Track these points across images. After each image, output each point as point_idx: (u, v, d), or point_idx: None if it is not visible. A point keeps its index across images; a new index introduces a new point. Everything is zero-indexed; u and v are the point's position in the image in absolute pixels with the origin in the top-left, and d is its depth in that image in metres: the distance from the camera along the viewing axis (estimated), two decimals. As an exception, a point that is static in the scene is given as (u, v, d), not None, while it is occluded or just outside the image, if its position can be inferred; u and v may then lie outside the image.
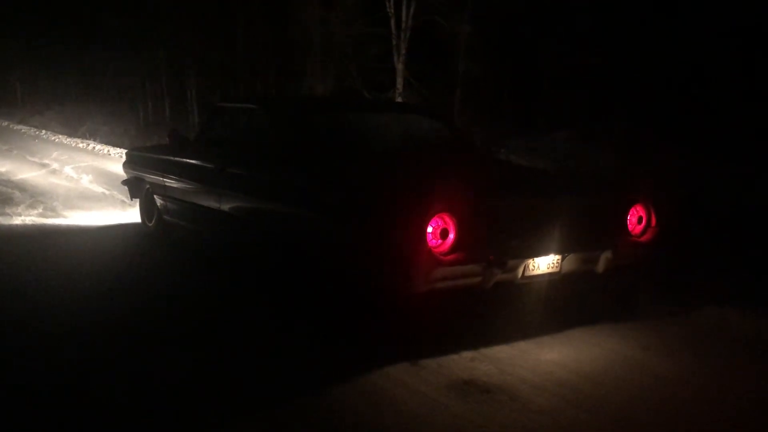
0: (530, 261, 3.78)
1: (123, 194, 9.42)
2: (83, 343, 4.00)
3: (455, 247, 3.46)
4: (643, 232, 4.27)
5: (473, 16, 17.51)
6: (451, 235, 3.46)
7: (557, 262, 3.91)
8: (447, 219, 3.45)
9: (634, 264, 4.28)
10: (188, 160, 5.69)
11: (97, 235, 6.93)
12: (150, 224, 6.75)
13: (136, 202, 7.10)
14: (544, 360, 3.80)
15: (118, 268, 5.65)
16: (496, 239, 3.65)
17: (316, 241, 4.03)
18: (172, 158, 5.99)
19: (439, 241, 3.46)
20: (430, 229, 3.42)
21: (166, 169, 6.08)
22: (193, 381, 3.50)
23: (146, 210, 6.82)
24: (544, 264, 3.86)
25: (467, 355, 3.83)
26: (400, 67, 17.32)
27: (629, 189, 4.29)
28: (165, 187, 6.14)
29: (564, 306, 4.52)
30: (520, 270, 3.76)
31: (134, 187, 6.97)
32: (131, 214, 8.01)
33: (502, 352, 3.89)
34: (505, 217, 3.74)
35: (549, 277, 3.97)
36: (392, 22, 17.18)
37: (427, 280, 3.42)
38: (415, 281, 3.42)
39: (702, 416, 3.19)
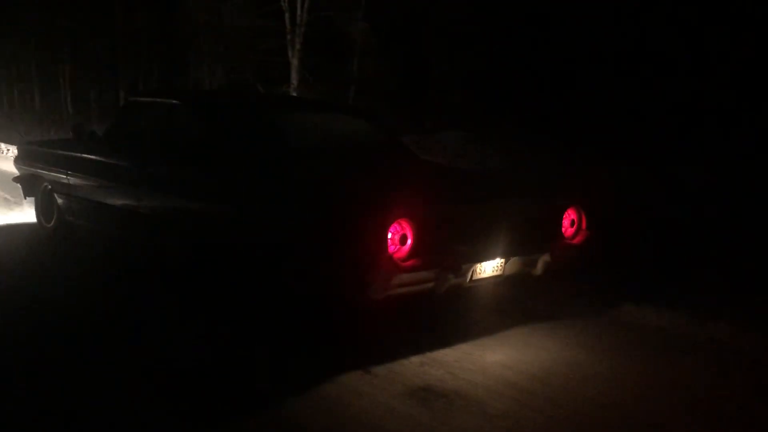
0: (478, 265, 3.82)
1: (6, 191, 8.72)
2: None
3: (413, 253, 3.42)
4: (575, 234, 4.42)
5: (368, 14, 17.56)
6: (409, 241, 3.42)
7: (501, 266, 3.97)
8: (405, 224, 3.41)
9: (567, 267, 4.41)
10: (99, 158, 5.31)
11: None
12: (48, 225, 6.25)
13: (30, 201, 6.56)
14: (490, 362, 3.84)
15: (17, 271, 5.21)
16: (450, 244, 3.65)
17: (264, 246, 3.86)
18: (78, 154, 5.57)
19: (398, 246, 3.41)
20: (389, 235, 3.37)
21: (71, 166, 5.64)
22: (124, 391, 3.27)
23: (44, 210, 6.31)
24: (489, 268, 3.91)
25: (416, 360, 3.80)
26: (294, 62, 17.09)
27: (563, 193, 4.43)
28: (69, 185, 5.70)
29: (501, 308, 4.60)
30: (469, 274, 3.78)
31: (29, 184, 6.43)
32: (20, 214, 7.41)
33: (448, 355, 3.90)
34: (459, 221, 3.75)
35: (494, 280, 4.02)
36: (287, 16, 16.93)
37: (386, 287, 3.36)
38: (375, 287, 3.36)
39: (649, 413, 3.33)
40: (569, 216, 4.39)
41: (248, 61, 17.71)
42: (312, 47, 17.17)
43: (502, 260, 3.94)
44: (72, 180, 5.64)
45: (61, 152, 5.85)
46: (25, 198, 6.60)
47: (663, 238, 6.29)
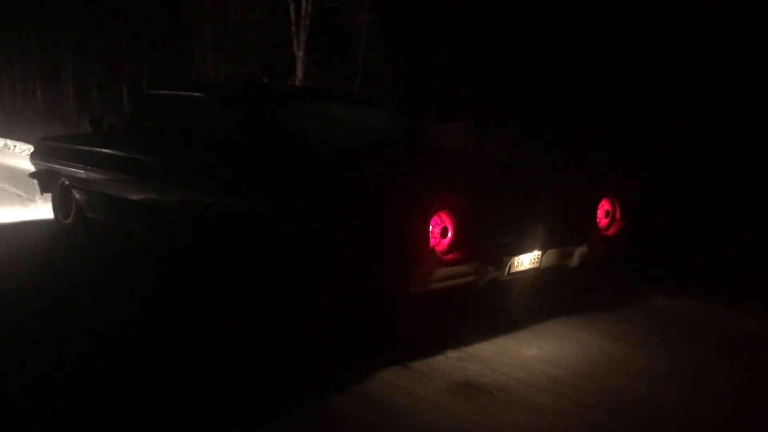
0: (516, 258, 3.75)
1: (19, 188, 8.64)
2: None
3: (453, 246, 3.35)
4: (610, 225, 4.35)
5: (374, 5, 17.44)
6: (450, 234, 3.35)
7: (538, 258, 3.90)
8: (445, 217, 3.33)
9: (602, 258, 4.34)
10: (119, 152, 5.23)
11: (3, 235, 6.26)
12: (66, 221, 6.17)
13: (46, 197, 6.48)
14: (527, 356, 3.78)
15: (37, 271, 5.13)
16: (490, 236, 3.58)
17: (301, 241, 3.78)
18: (97, 149, 5.49)
19: (439, 239, 3.33)
20: (430, 228, 3.29)
21: (90, 161, 5.57)
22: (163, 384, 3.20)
23: (62, 205, 6.24)
24: (527, 260, 3.84)
25: (452, 354, 3.74)
26: (300, 54, 16.98)
27: (598, 182, 4.35)
28: (88, 180, 5.63)
29: (532, 300, 4.53)
30: (507, 267, 3.71)
31: (46, 180, 6.36)
32: (34, 210, 7.34)
33: (485, 350, 3.84)
34: (498, 213, 3.67)
35: (531, 273, 3.96)
36: (291, 8, 16.81)
37: (427, 281, 3.29)
38: (416, 282, 3.28)
39: (692, 409, 3.27)
40: (604, 206, 4.32)
41: (253, 54, 17.58)
42: (317, 39, 17.06)
43: (540, 252, 3.86)
44: (91, 175, 5.56)
45: (79, 147, 5.78)
46: (42, 194, 6.53)
47: (694, 229, 6.23)
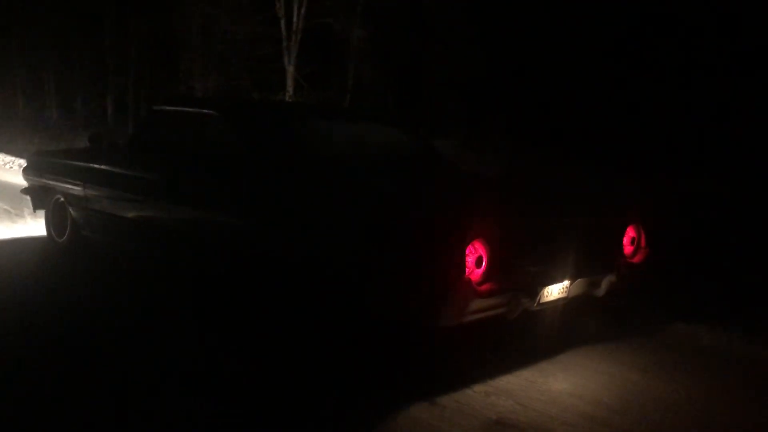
0: (547, 288, 3.59)
1: (5, 202, 8.36)
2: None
3: (488, 276, 3.19)
4: (635, 253, 4.22)
5: (365, 20, 17.37)
6: (485, 263, 3.19)
7: (566, 288, 3.75)
8: (480, 245, 3.17)
9: (628, 287, 4.21)
10: (123, 169, 5.02)
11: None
12: (61, 239, 5.93)
13: (35, 214, 6.24)
14: (556, 390, 3.63)
15: (31, 296, 4.86)
16: (524, 265, 3.43)
17: (327, 268, 3.58)
18: (97, 166, 5.27)
19: (473, 269, 3.17)
20: (467, 257, 3.13)
21: (89, 178, 5.34)
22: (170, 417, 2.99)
23: (56, 223, 5.99)
24: (556, 290, 3.69)
25: (479, 389, 3.57)
26: (290, 69, 16.82)
27: (624, 208, 4.22)
28: (87, 198, 5.40)
29: (553, 331, 4.38)
30: (538, 297, 3.56)
31: (39, 196, 6.11)
32: (23, 227, 7.07)
33: (512, 383, 3.68)
34: (531, 240, 3.52)
35: (560, 303, 3.80)
36: (282, 23, 16.66)
37: (461, 313, 3.13)
38: (449, 314, 3.12)
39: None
40: (629, 233, 4.19)
41: (243, 69, 17.39)
42: (308, 54, 16.92)
43: (569, 282, 3.71)
44: (90, 192, 5.33)
45: (77, 163, 5.54)
46: (35, 211, 6.27)
47: (716, 252, 6.13)
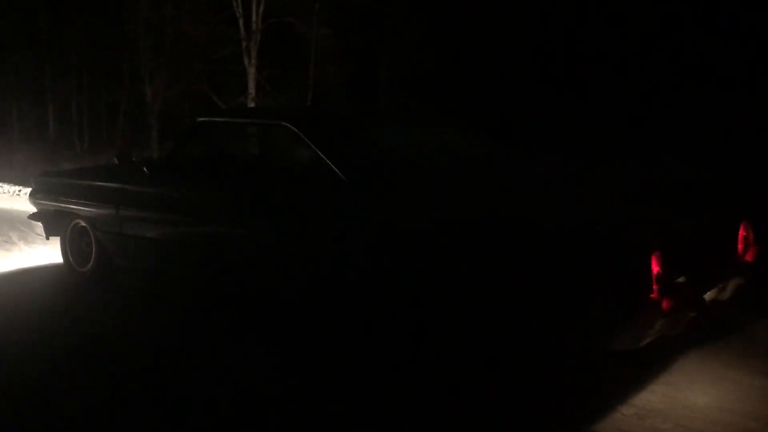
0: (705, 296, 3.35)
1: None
2: None
3: (665, 291, 2.90)
4: (745, 251, 4.02)
5: (326, 19, 16.95)
6: (664, 278, 2.90)
7: (712, 294, 3.51)
8: (659, 260, 2.88)
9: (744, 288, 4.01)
10: (168, 189, 4.52)
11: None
12: (83, 269, 5.35)
13: (33, 240, 5.64)
14: (703, 406, 3.41)
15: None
16: (691, 276, 3.16)
17: (476, 291, 3.20)
18: (134, 186, 4.74)
19: (655, 285, 2.88)
20: (651, 273, 2.84)
21: (124, 200, 4.80)
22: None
23: (76, 251, 5.41)
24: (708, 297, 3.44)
25: (628, 412, 3.32)
26: (251, 70, 16.21)
27: (738, 204, 4.02)
28: (120, 222, 4.85)
29: (665, 338, 4.16)
30: (701, 308, 3.30)
31: (53, 222, 5.52)
32: (20, 255, 6.42)
33: (656, 403, 3.44)
34: (692, 249, 3.25)
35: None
36: (241, 23, 16.03)
37: (645, 335, 2.84)
38: (634, 337, 2.82)
39: None
40: (742, 231, 3.99)
41: (201, 71, 16.65)
42: (270, 54, 16.37)
43: (715, 288, 3.48)
44: (126, 215, 4.79)
45: (107, 183, 4.97)
46: (48, 238, 5.64)
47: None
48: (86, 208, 5.15)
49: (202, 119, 4.59)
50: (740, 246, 4.00)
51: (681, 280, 3.15)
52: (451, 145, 4.26)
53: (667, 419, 3.25)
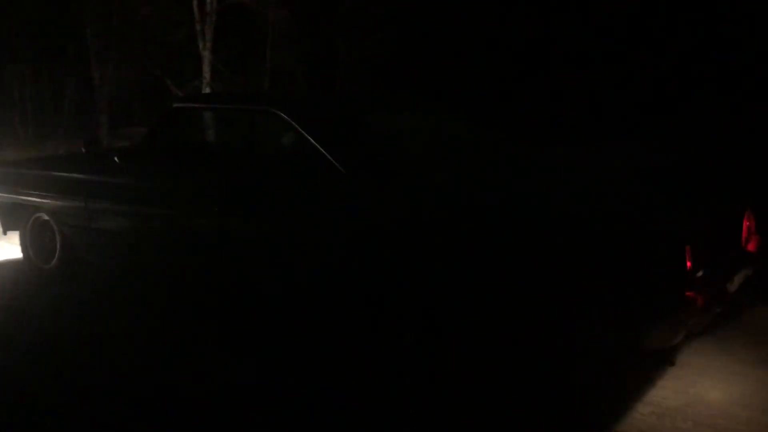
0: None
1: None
2: None
3: (700, 286, 2.76)
4: (747, 241, 3.95)
5: (282, 1, 16.51)
6: (699, 272, 2.76)
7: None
8: (690, 252, 2.74)
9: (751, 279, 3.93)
10: (144, 179, 4.20)
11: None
12: (47, 265, 4.99)
13: (8, 236, 5.26)
14: (721, 402, 3.31)
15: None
16: (716, 269, 3.03)
17: (489, 287, 3.00)
18: (105, 176, 4.40)
19: (689, 281, 2.74)
20: (687, 268, 2.69)
21: (94, 192, 4.46)
22: None
23: (37, 246, 5.04)
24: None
25: (645, 410, 3.21)
26: (206, 54, 15.68)
27: (743, 193, 3.93)
28: (89, 215, 4.51)
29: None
30: (726, 302, 3.20)
31: (11, 215, 5.12)
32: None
33: (671, 399, 3.33)
34: (716, 242, 3.12)
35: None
36: (195, 5, 15.46)
37: (677, 332, 2.71)
38: (662, 335, 2.68)
39: None
40: (746, 220, 3.91)
41: (153, 54, 16.04)
42: (225, 38, 15.86)
43: (733, 280, 3.38)
44: (96, 208, 4.45)
45: (73, 174, 4.62)
46: (5, 233, 5.24)
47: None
48: (50, 201, 4.78)
49: (178, 105, 4.28)
50: (744, 236, 3.93)
51: (700, 274, 3.03)
52: (446, 130, 4.06)
53: (682, 417, 3.14)
